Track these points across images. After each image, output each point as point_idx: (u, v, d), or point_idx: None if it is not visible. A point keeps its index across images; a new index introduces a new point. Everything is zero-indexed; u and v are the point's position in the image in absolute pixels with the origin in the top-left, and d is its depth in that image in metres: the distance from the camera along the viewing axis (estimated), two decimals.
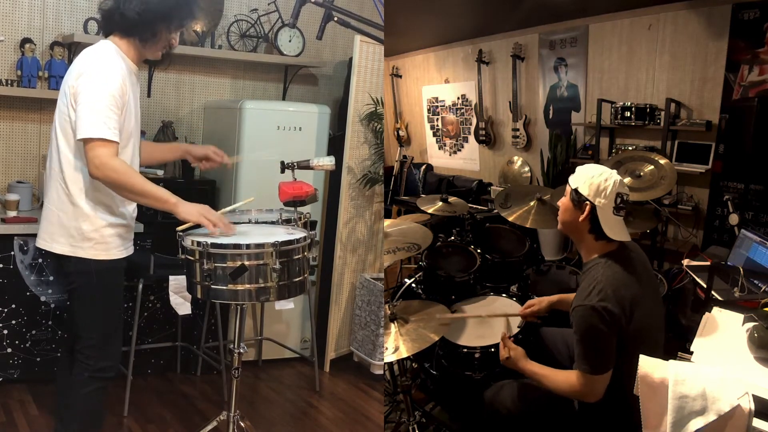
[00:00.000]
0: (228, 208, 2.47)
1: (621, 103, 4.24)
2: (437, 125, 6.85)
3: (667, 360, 1.75)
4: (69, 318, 2.52)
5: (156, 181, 2.52)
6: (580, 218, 2.04)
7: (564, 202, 2.12)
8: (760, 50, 3.68)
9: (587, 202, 2.02)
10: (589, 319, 1.89)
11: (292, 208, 2.79)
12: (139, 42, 2.23)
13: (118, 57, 2.20)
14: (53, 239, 2.24)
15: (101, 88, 2.09)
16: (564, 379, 2.03)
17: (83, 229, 2.21)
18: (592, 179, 2.02)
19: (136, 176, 2.15)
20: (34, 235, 3.18)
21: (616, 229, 2.02)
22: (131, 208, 2.36)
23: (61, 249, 2.23)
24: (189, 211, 2.20)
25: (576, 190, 2.05)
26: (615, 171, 2.07)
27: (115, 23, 2.21)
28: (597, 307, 1.88)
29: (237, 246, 2.14)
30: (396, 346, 2.22)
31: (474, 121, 6.17)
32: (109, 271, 2.27)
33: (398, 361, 2.52)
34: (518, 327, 2.53)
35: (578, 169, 2.10)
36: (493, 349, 2.48)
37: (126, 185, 2.13)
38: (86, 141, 2.08)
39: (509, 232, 3.58)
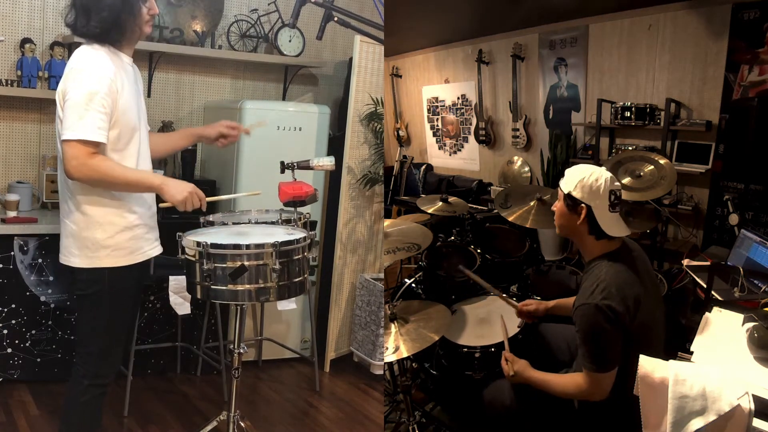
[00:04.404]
0: (227, 196, 2.50)
1: (621, 103, 4.24)
2: (437, 125, 6.85)
3: (667, 360, 1.75)
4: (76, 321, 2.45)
5: None
6: (578, 221, 2.03)
7: (559, 206, 2.11)
8: (760, 50, 3.68)
9: (582, 204, 2.02)
10: (593, 318, 1.89)
11: (292, 209, 2.79)
12: (117, 42, 2.14)
13: (106, 54, 2.09)
14: (70, 252, 2.14)
15: (84, 88, 1.99)
16: (570, 381, 2.04)
17: (97, 237, 2.11)
18: (583, 181, 2.01)
19: (116, 168, 2.06)
20: (34, 235, 3.24)
21: (614, 226, 2.02)
22: (147, 205, 2.25)
23: (78, 262, 2.13)
24: (173, 195, 2.12)
25: (569, 195, 2.04)
26: (603, 168, 2.06)
27: (86, 36, 2.11)
28: (601, 305, 1.88)
29: (237, 246, 2.14)
30: (396, 346, 2.22)
31: (474, 121, 6.17)
32: (122, 279, 2.17)
33: (398, 361, 2.51)
34: (518, 327, 2.53)
35: (567, 172, 2.09)
36: (493, 349, 2.48)
37: (106, 180, 2.04)
38: (66, 142, 1.98)
39: (509, 232, 3.58)
